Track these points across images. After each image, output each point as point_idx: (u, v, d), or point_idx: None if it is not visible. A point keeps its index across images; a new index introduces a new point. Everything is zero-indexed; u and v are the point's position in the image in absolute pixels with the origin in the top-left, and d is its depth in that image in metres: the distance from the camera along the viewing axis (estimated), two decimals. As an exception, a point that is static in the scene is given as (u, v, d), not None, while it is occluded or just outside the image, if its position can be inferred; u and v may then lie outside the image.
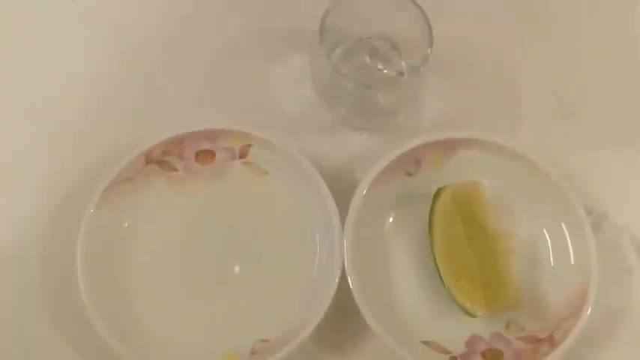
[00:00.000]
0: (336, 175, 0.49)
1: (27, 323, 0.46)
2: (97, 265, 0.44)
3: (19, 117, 0.51)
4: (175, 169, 0.48)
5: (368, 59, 0.52)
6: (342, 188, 0.47)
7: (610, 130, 0.53)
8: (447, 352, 0.44)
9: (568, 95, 0.54)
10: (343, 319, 0.45)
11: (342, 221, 0.45)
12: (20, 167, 0.50)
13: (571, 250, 0.46)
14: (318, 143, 0.51)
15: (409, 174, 0.49)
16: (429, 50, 0.46)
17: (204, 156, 0.48)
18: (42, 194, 0.49)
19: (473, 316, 0.44)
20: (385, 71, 0.52)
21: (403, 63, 0.52)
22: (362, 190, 0.46)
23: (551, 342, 0.43)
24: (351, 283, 0.43)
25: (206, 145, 0.48)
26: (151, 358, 0.43)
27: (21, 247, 0.47)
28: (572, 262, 0.46)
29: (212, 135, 0.48)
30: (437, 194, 0.47)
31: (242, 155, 0.49)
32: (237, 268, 0.47)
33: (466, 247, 0.45)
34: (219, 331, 0.45)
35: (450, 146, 0.48)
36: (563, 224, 0.46)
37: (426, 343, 0.44)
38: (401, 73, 0.52)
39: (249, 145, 0.48)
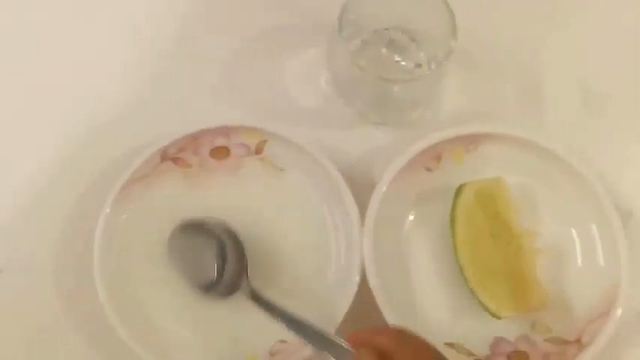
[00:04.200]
0: (353, 170, 0.49)
1: (44, 321, 0.46)
2: (113, 262, 0.44)
3: (34, 116, 0.50)
4: (190, 165, 0.48)
5: (385, 50, 0.51)
6: (358, 183, 0.46)
7: (636, 124, 0.52)
8: (471, 354, 0.43)
9: (593, 89, 0.52)
10: (364, 319, 0.44)
11: (361, 218, 0.45)
12: (35, 166, 0.49)
13: (601, 252, 0.45)
14: (334, 138, 0.50)
15: (429, 169, 0.48)
16: (453, 43, 0.45)
17: (219, 152, 0.48)
18: (57, 192, 0.48)
19: (498, 317, 0.43)
20: (403, 63, 0.51)
21: (421, 54, 0.51)
22: (382, 187, 0.45)
23: (579, 344, 0.42)
24: (371, 283, 0.43)
25: (221, 142, 0.47)
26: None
27: (37, 245, 0.47)
28: (602, 264, 0.45)
29: (226, 131, 0.47)
30: (459, 191, 0.46)
31: (258, 151, 0.48)
32: (253, 265, 0.46)
33: (490, 246, 0.44)
34: (238, 332, 0.45)
35: (472, 141, 0.47)
36: (593, 225, 0.45)
37: (449, 345, 0.43)
38: (419, 65, 0.51)
39: (265, 141, 0.48)
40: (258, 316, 0.44)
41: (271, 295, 0.45)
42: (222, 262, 0.44)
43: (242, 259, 0.44)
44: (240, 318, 0.45)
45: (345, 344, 0.38)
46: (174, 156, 0.47)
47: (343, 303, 0.43)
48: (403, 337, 0.37)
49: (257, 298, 0.43)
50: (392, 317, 0.42)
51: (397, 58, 0.51)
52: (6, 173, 0.49)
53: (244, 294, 0.43)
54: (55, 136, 0.50)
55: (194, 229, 0.45)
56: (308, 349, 0.42)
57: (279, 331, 0.43)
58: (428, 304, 0.45)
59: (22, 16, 0.53)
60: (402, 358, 0.35)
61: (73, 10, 0.53)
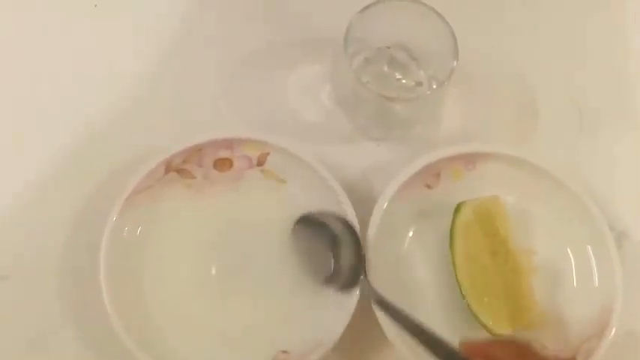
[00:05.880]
0: (353, 184, 0.49)
1: (48, 328, 0.46)
2: (118, 272, 0.44)
3: (38, 123, 0.50)
4: (194, 177, 0.48)
5: (386, 68, 0.52)
6: (358, 198, 0.47)
7: (631, 144, 0.53)
8: (468, 369, 0.44)
9: (588, 108, 0.53)
10: (363, 332, 0.44)
11: (360, 232, 0.45)
12: (39, 175, 0.49)
13: (596, 273, 0.46)
14: (335, 152, 0.50)
15: (429, 186, 0.49)
16: (455, 63, 0.46)
17: (222, 164, 0.48)
18: (61, 201, 0.48)
19: (495, 335, 0.44)
20: (404, 81, 0.52)
21: (421, 72, 0.52)
22: (383, 203, 0.46)
23: (574, 363, 0.43)
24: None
25: (224, 154, 0.48)
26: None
27: (42, 252, 0.47)
28: (596, 285, 0.45)
29: (230, 143, 0.47)
30: (457, 209, 0.46)
31: (260, 163, 0.48)
32: (255, 277, 0.47)
33: (489, 264, 0.45)
34: (240, 341, 0.45)
35: (470, 160, 0.48)
36: (589, 247, 0.46)
37: (446, 359, 0.44)
38: (419, 83, 0.52)
39: (267, 154, 0.48)
40: (260, 326, 0.45)
41: (274, 305, 0.45)
42: (338, 257, 0.44)
43: (359, 255, 0.44)
44: (242, 328, 0.45)
45: (459, 352, 0.38)
46: (178, 167, 0.47)
47: (344, 315, 0.43)
48: (520, 350, 0.37)
49: (375, 297, 0.42)
50: (391, 332, 0.42)
51: (398, 76, 0.52)
52: (10, 181, 0.49)
53: (361, 290, 0.43)
54: (60, 143, 0.50)
55: (314, 222, 0.46)
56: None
57: (280, 340, 0.44)
58: (427, 320, 0.44)
59: (24, 28, 0.53)
60: None
61: (75, 21, 0.53)
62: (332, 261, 0.45)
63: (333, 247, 0.45)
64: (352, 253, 0.44)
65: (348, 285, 0.44)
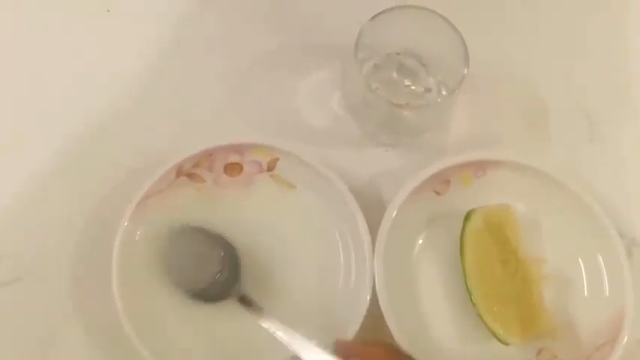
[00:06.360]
0: (362, 190, 0.49)
1: (58, 330, 0.46)
2: (129, 276, 0.44)
3: (50, 129, 0.50)
4: (204, 181, 0.48)
5: (395, 75, 0.52)
6: (367, 203, 0.47)
7: (640, 152, 0.53)
8: (478, 378, 0.44)
9: (598, 116, 0.53)
10: (374, 337, 0.44)
11: (370, 238, 0.45)
12: (53, 179, 0.49)
13: (606, 282, 0.45)
14: (343, 158, 0.50)
15: (438, 193, 0.48)
16: (465, 71, 0.46)
17: (232, 168, 0.48)
18: (74, 204, 0.48)
19: (505, 343, 0.44)
20: (413, 87, 0.52)
21: (431, 79, 0.52)
22: (393, 210, 0.45)
23: (585, 372, 0.43)
24: (382, 306, 0.43)
25: (234, 158, 0.48)
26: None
27: (56, 254, 0.47)
28: (607, 294, 0.45)
29: (240, 148, 0.48)
30: (468, 216, 0.46)
31: (270, 168, 0.49)
32: (265, 281, 0.47)
33: (499, 272, 0.45)
34: (249, 347, 0.45)
35: (480, 167, 0.48)
36: (599, 256, 0.46)
37: (456, 368, 0.44)
38: (428, 90, 0.52)
39: (277, 159, 0.48)
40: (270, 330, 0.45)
41: (284, 310, 0.45)
42: (217, 270, 0.45)
43: (237, 268, 0.46)
44: (254, 333, 0.45)
45: (331, 354, 0.39)
46: (189, 171, 0.47)
47: (352, 324, 0.43)
48: (392, 351, 0.38)
49: (246, 302, 0.44)
50: (402, 339, 0.42)
51: (407, 83, 0.52)
52: (11, 182, 0.49)
53: (235, 299, 0.44)
54: (70, 148, 0.50)
55: (191, 235, 0.46)
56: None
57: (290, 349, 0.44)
58: (437, 328, 0.46)
59: (24, 28, 0.53)
60: None
61: (75, 21, 0.53)
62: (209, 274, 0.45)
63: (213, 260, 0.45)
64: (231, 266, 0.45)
65: (220, 297, 0.45)
